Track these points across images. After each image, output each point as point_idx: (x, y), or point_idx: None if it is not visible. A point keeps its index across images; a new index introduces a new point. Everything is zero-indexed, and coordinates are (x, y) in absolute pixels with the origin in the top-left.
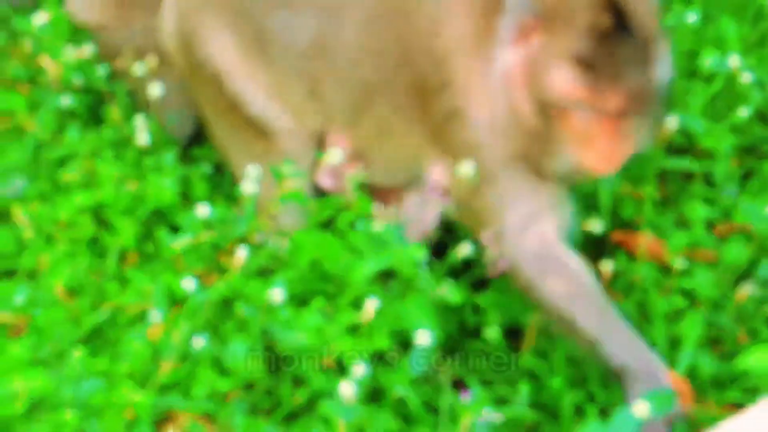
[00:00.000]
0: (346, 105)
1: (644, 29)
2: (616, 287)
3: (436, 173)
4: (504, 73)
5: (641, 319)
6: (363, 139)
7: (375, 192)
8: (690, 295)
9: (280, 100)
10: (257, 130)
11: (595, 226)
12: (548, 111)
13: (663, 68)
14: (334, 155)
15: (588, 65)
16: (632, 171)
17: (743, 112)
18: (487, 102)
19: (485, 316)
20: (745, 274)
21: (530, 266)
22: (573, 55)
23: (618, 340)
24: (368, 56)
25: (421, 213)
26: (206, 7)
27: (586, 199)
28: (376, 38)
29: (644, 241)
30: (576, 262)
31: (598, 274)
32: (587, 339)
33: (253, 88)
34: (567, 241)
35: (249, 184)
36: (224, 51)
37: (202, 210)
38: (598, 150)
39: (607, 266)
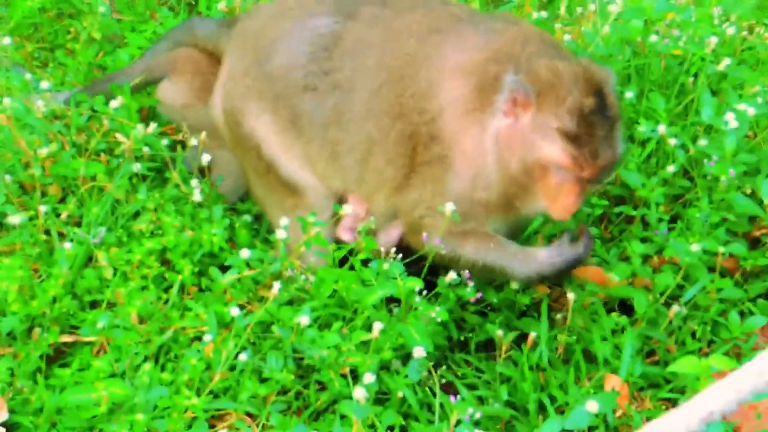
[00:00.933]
0: (355, 162)
1: (614, 112)
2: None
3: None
4: (495, 136)
5: (590, 334)
6: (367, 195)
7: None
8: (630, 315)
9: (309, 166)
10: (288, 189)
11: None
12: (532, 170)
13: (621, 145)
14: (350, 213)
15: (574, 139)
16: (583, 217)
17: (670, 169)
18: (473, 157)
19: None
20: (674, 297)
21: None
22: (563, 130)
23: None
24: (371, 116)
25: (387, 232)
26: (250, 93)
27: (550, 240)
28: (378, 101)
29: (593, 271)
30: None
31: (565, 301)
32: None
33: (286, 156)
34: None
35: (281, 232)
36: (264, 127)
37: (245, 252)
38: (561, 202)
39: (571, 296)
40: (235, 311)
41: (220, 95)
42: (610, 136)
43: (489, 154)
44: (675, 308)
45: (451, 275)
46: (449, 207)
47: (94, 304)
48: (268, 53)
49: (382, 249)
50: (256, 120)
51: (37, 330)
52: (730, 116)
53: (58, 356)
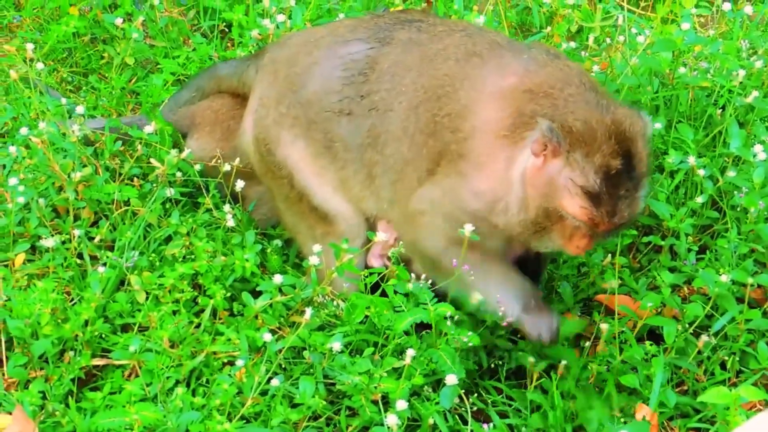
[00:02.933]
0: (390, 182)
1: (641, 170)
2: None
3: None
4: (522, 172)
5: (622, 363)
6: (398, 218)
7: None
8: (659, 344)
9: (342, 191)
10: (320, 216)
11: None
12: (550, 213)
13: (642, 199)
14: (380, 240)
15: (594, 198)
16: (612, 246)
17: (699, 200)
18: (497, 183)
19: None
20: (703, 327)
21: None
22: (585, 189)
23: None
24: (407, 136)
25: None
26: (283, 120)
27: (577, 268)
28: (414, 120)
29: (622, 301)
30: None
31: (599, 330)
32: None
33: (319, 182)
34: None
35: (314, 258)
36: (297, 153)
37: (277, 278)
38: (576, 242)
39: (604, 326)
40: (267, 336)
41: (251, 123)
42: (631, 195)
43: (514, 186)
44: (704, 338)
45: (477, 296)
46: (468, 228)
47: (126, 328)
48: (302, 80)
49: (413, 275)
50: (290, 147)
51: (69, 353)
52: (758, 148)
53: (89, 379)
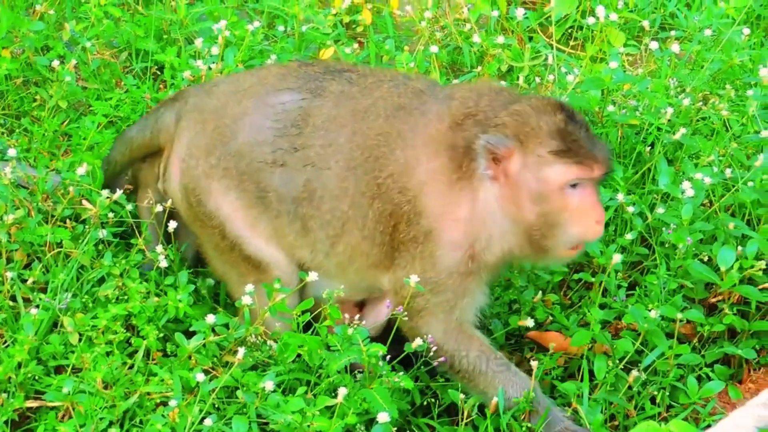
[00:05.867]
0: (327, 236)
1: (582, 117)
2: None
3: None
4: (496, 204)
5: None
6: (338, 266)
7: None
8: (590, 380)
9: (276, 240)
10: (253, 265)
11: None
12: (549, 203)
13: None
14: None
15: (568, 152)
16: (543, 284)
17: (629, 236)
18: (470, 224)
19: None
20: (633, 362)
21: (451, 346)
22: (555, 151)
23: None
24: (346, 195)
25: (376, 312)
26: (214, 172)
27: (508, 305)
28: (354, 181)
29: (554, 337)
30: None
31: (529, 367)
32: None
33: (252, 233)
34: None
35: (246, 298)
36: (229, 206)
37: (210, 318)
38: (589, 219)
39: (534, 363)
40: (200, 376)
41: (177, 170)
42: (591, 135)
43: (487, 222)
44: (634, 373)
45: (418, 341)
46: (470, 309)
47: (59, 370)
48: (232, 131)
49: (371, 330)
50: (221, 199)
51: (2, 395)
52: (686, 185)
53: (23, 421)
